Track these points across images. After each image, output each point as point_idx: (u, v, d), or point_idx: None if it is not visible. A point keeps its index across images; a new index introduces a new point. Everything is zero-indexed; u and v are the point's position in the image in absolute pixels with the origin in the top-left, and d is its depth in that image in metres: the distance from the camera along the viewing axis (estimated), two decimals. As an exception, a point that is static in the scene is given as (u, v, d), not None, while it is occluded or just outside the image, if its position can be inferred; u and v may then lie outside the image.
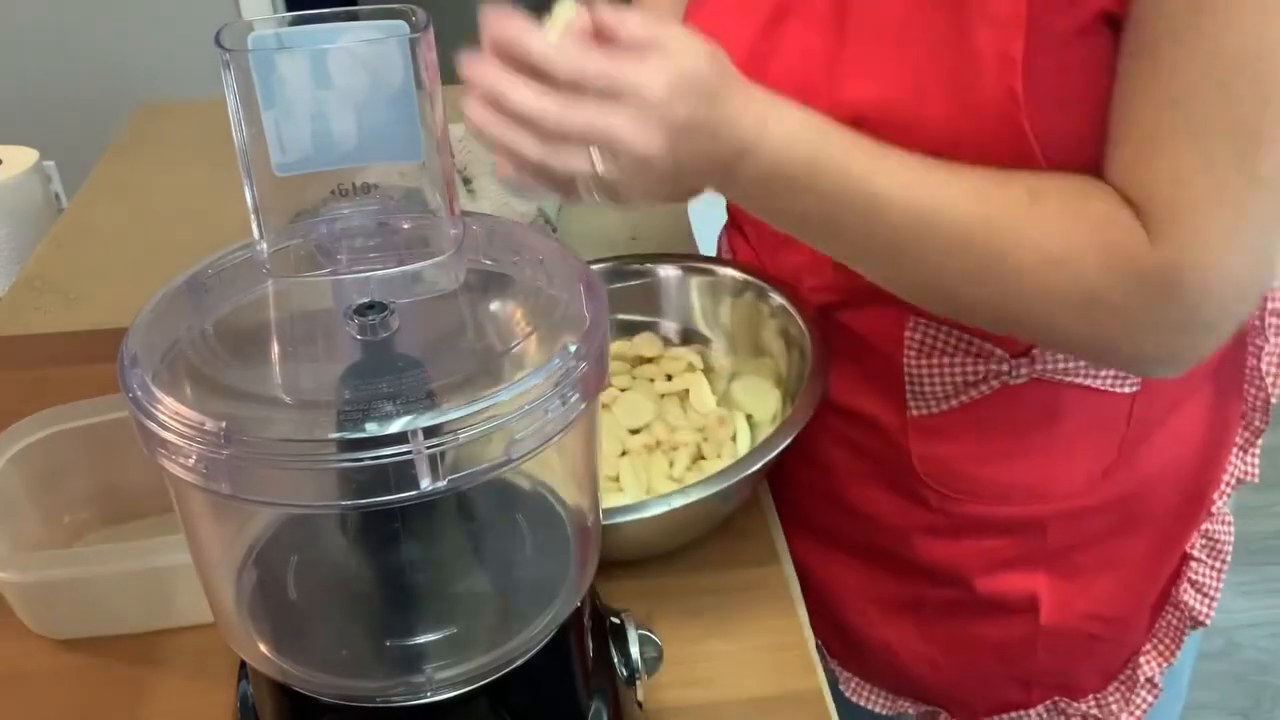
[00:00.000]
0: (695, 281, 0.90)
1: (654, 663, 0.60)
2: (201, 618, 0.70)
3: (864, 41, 0.66)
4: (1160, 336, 0.61)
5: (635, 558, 0.74)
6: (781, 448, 0.71)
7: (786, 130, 0.60)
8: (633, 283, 0.90)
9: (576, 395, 0.46)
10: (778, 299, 0.83)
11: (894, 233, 0.61)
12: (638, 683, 0.59)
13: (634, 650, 0.59)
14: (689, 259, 0.91)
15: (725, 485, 0.69)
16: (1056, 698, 0.85)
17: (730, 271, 0.88)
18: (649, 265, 0.91)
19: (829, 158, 0.60)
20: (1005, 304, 0.62)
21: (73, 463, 0.77)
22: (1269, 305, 0.77)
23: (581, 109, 0.56)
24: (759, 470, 0.70)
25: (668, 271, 0.91)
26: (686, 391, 0.85)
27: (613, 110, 0.56)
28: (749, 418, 0.82)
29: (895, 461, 0.79)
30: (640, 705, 0.61)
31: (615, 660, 0.59)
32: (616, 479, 0.78)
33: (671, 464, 0.79)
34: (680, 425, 0.82)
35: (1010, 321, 0.64)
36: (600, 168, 0.57)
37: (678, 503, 0.68)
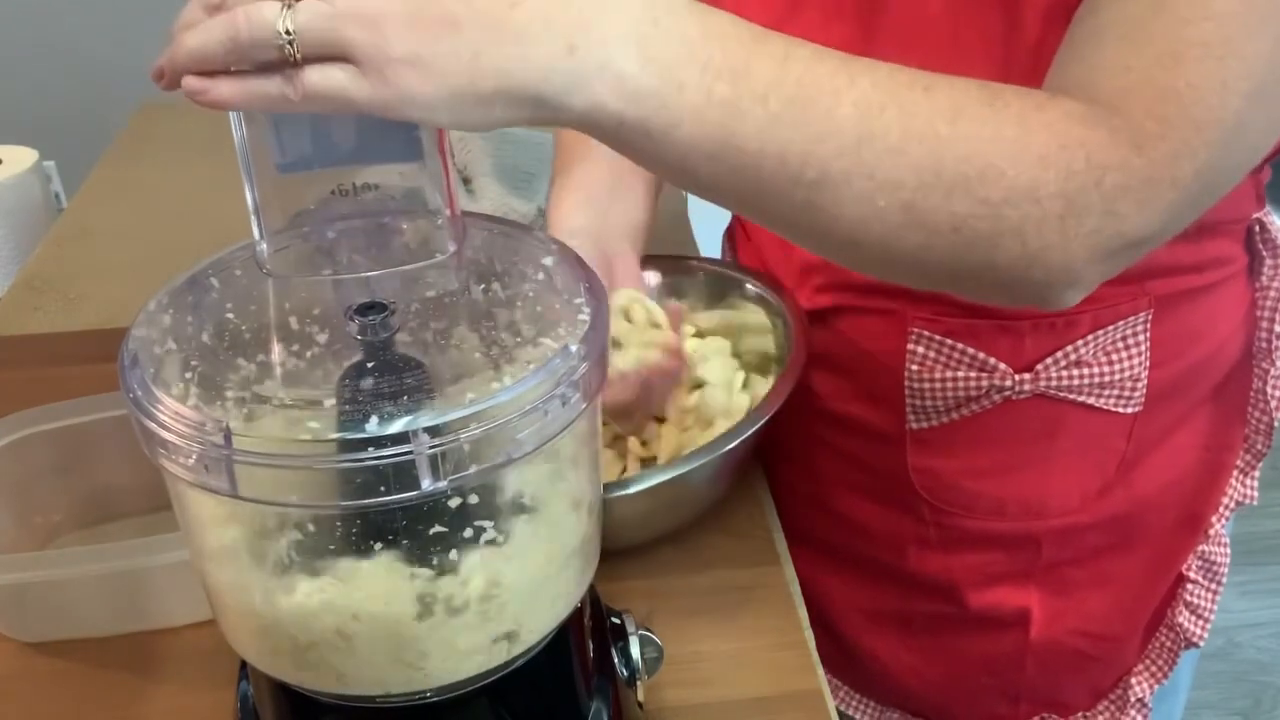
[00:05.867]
0: (670, 281, 0.89)
1: (654, 663, 0.60)
2: (174, 620, 0.71)
3: (902, 37, 0.63)
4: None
5: (616, 546, 0.73)
6: (754, 430, 0.71)
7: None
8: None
9: (577, 395, 0.46)
10: (753, 288, 0.83)
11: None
12: (638, 683, 0.59)
13: (634, 650, 0.59)
14: (659, 258, 0.90)
15: (688, 468, 0.69)
16: (1045, 714, 0.85)
17: (706, 266, 0.88)
18: None
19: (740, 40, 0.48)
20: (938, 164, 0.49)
21: (44, 466, 0.76)
22: (1275, 329, 0.76)
23: None
24: (730, 451, 0.70)
25: (646, 274, 0.89)
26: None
27: None
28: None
29: (890, 473, 0.78)
30: (641, 705, 0.61)
31: (615, 660, 0.59)
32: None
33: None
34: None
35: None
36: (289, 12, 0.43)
37: (646, 483, 0.68)
